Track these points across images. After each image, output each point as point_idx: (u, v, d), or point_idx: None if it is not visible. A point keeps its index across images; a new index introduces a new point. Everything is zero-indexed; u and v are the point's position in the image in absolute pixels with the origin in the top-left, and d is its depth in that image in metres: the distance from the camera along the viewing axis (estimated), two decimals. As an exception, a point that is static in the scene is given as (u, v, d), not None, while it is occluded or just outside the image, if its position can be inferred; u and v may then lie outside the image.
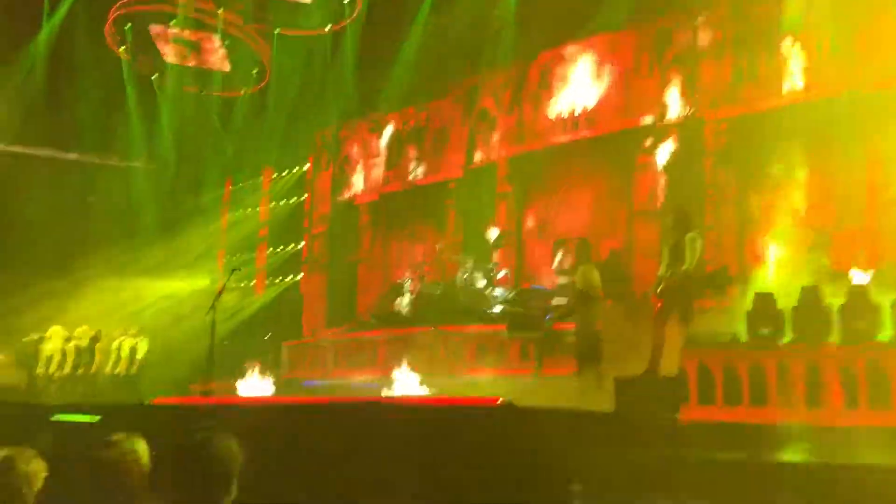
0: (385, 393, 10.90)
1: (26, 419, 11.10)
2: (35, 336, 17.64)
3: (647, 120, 14.87)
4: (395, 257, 19.91)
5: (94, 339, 16.69)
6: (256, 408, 9.02)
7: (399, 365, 11.53)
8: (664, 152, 14.54)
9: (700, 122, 14.13)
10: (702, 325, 8.80)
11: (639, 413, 7.69)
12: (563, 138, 16.45)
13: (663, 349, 8.60)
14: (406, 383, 10.93)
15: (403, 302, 18.48)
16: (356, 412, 7.83)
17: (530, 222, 17.22)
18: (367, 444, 7.14)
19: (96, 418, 9.46)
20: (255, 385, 12.55)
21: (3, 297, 20.28)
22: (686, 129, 14.32)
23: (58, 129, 21.51)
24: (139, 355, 16.17)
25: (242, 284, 22.73)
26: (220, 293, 11.95)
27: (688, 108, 14.33)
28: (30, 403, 14.74)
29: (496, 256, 16.50)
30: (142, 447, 3.68)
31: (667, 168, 14.43)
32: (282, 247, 22.76)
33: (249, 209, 23.69)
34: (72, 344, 16.75)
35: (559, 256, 16.06)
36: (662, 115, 14.71)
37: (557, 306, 12.05)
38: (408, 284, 18.91)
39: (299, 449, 7.56)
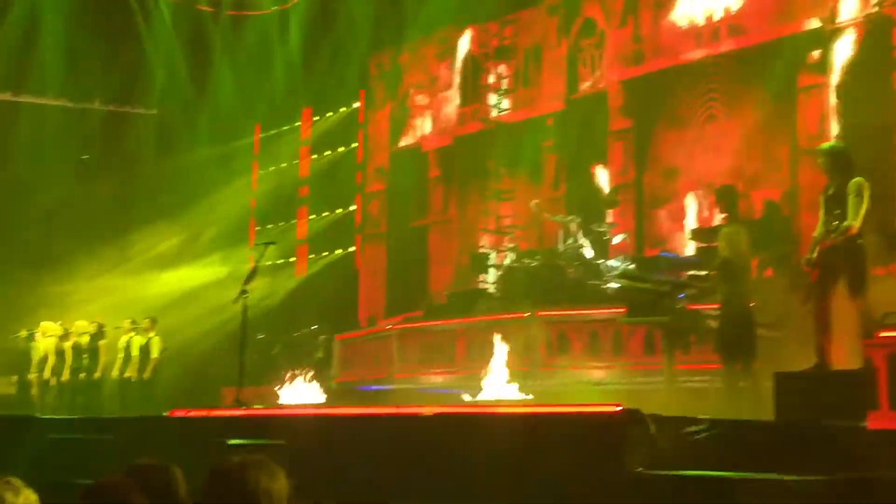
0: (467, 399, 11.11)
1: (16, 436, 11.86)
2: (23, 333, 18.60)
3: (813, 23, 14.61)
4: (475, 220, 20.12)
5: (97, 336, 17.46)
6: (303, 422, 9.40)
7: (485, 362, 11.69)
8: (837, 66, 14.29)
9: (888, 21, 13.82)
10: (878, 297, 8.65)
11: (807, 422, 7.45)
12: (696, 54, 16.27)
13: (831, 335, 8.56)
14: (495, 386, 11.09)
15: (488, 278, 18.67)
16: (432, 426, 8.09)
17: (655, 168, 17.13)
18: (446, 467, 7.37)
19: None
20: (300, 391, 12.97)
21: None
22: (868, 33, 14.04)
23: (35, 68, 22.46)
24: (153, 354, 16.85)
25: (280, 262, 23.38)
26: (251, 274, 12.38)
27: (870, 2, 14.02)
28: (21, 417, 15.65)
29: (610, 215, 16.52)
30: (177, 477, 3.95)
31: (841, 88, 14.18)
32: (327, 211, 23.31)
33: (285, 163, 24.25)
34: (69, 342, 17.57)
35: (695, 212, 15.94)
36: (834, 16, 14.42)
37: (693, 280, 12.04)
38: (493, 256, 19.09)
39: (359, 474, 7.89)
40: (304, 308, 21.96)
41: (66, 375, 17.40)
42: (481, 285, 18.64)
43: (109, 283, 22.39)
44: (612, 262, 15.26)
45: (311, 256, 23.52)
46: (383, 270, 22.10)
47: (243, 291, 12.02)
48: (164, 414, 14.64)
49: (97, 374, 17.24)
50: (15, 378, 18.92)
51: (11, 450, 11.67)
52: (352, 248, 22.76)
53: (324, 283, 22.32)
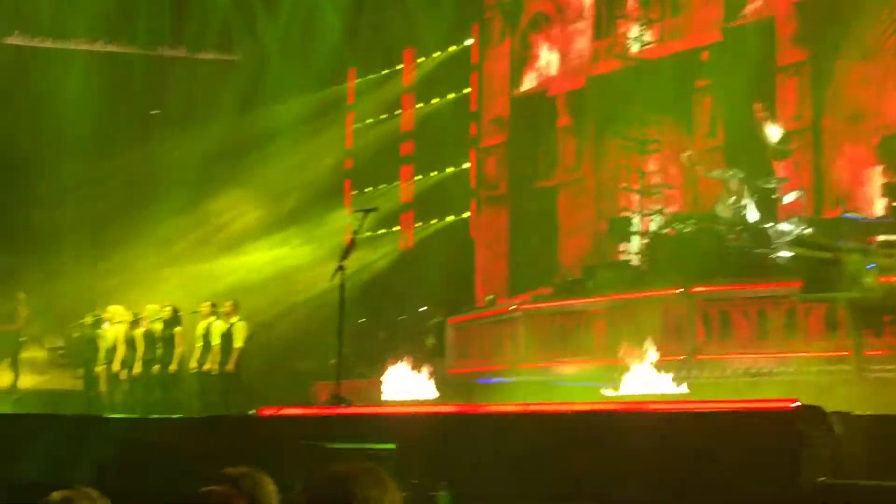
0: (607, 394, 11.09)
1: (83, 438, 12.27)
2: (89, 319, 19.19)
3: None
4: (613, 178, 19.98)
5: (172, 322, 17.86)
6: (414, 422, 9.46)
7: (630, 349, 11.63)
8: None
9: None
10: None
11: None
12: (888, -34, 15.82)
13: None
14: (642, 378, 11.03)
15: (631, 247, 18.50)
16: (566, 426, 8.06)
17: (836, 111, 16.79)
18: (581, 474, 7.36)
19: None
20: (408, 385, 13.07)
21: (38, 266, 22.29)
22: None
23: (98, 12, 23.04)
24: (236, 343, 17.14)
25: (381, 232, 23.56)
26: (349, 248, 12.46)
27: None
28: (87, 417, 16.19)
29: (781, 169, 16.20)
30: (268, 488, 3.98)
31: None
32: (436, 171, 23.43)
33: (384, 115, 24.37)
34: (140, 330, 18.05)
35: (886, 164, 15.51)
36: None
37: (886, 246, 11.70)
38: (636, 220, 18.89)
39: (480, 484, 7.91)
40: (411, 287, 22.12)
41: (137, 368, 17.85)
42: (622, 256, 18.49)
43: (184, 261, 22.94)
44: (783, 226, 14.99)
45: (417, 225, 23.64)
46: (504, 240, 22.11)
47: (340, 268, 12.10)
48: (252, 413, 14.96)
49: (173, 367, 17.64)
50: (80, 371, 19.56)
51: (78, 454, 12.09)
52: (466, 214, 22.79)
53: (434, 256, 22.40)
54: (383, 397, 13.05)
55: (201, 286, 20.98)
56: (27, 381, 20.60)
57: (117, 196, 23.37)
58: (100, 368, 18.55)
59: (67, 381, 20.45)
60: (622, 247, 18.74)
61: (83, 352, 19.36)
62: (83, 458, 12.33)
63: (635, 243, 18.33)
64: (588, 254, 19.56)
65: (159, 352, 17.78)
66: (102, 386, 18.59)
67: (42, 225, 22.65)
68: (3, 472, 11.47)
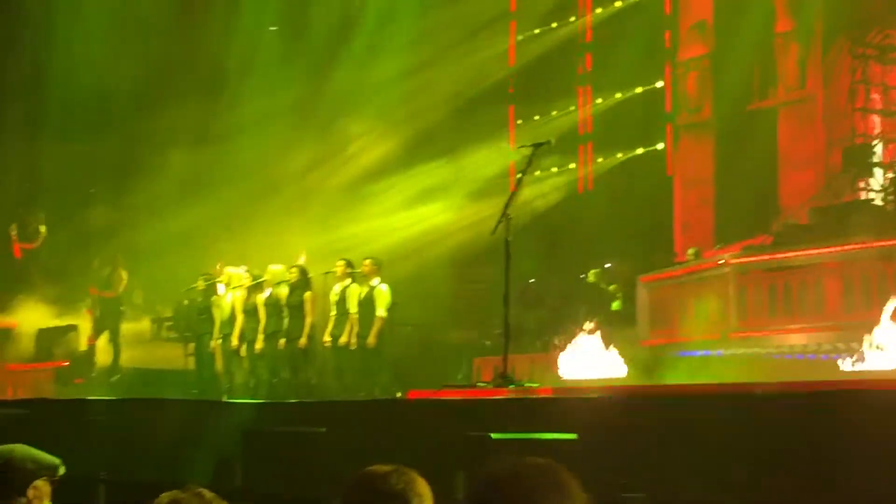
0: (846, 368, 11.03)
1: (197, 427, 12.56)
2: (200, 284, 19.63)
3: None
4: (849, 96, 19.54)
5: (300, 286, 18.05)
6: (601, 406, 9.41)
7: (874, 311, 11.49)
8: None
9: None
10: None
11: None
12: None
13: None
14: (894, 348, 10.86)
15: (873, 183, 18.01)
16: (798, 408, 7.93)
17: None
18: (818, 469, 7.26)
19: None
20: (591, 361, 13.05)
21: (143, 224, 22.92)
22: None
23: None
24: (379, 311, 17.25)
25: (554, 170, 23.46)
26: (515, 192, 12.42)
27: None
28: (202, 402, 16.59)
29: None
30: (421, 489, 4.02)
31: None
32: (619, 92, 23.22)
33: (554, 23, 24.15)
34: (262, 296, 18.32)
35: None
36: None
37: None
38: (879, 149, 18.38)
39: (687, 481, 7.84)
40: (592, 238, 22.03)
41: (259, 343, 18.15)
42: (862, 195, 18.07)
43: (314, 213, 23.24)
44: None
45: (599, 160, 23.50)
46: (709, 177, 21.91)
47: (504, 217, 12.06)
48: (399, 396, 15.10)
49: (302, 341, 17.83)
50: (192, 347, 20.09)
51: (192, 446, 12.41)
52: (660, 146, 22.58)
53: (620, 198, 22.27)
54: (561, 376, 13.04)
55: (335, 242, 21.24)
56: (129, 357, 21.25)
57: (245, 132, 23.72)
58: (215, 343, 18.95)
59: (177, 359, 20.96)
60: (860, 183, 18.32)
61: (195, 323, 19.84)
62: (196, 452, 12.64)
63: (878, 177, 17.90)
64: (817, 193, 19.16)
65: (286, 322, 17.96)
66: (219, 364, 18.99)
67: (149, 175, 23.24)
68: (101, 468, 11.85)
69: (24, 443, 5.63)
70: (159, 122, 23.09)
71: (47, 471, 5.53)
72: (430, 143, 23.87)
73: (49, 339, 21.80)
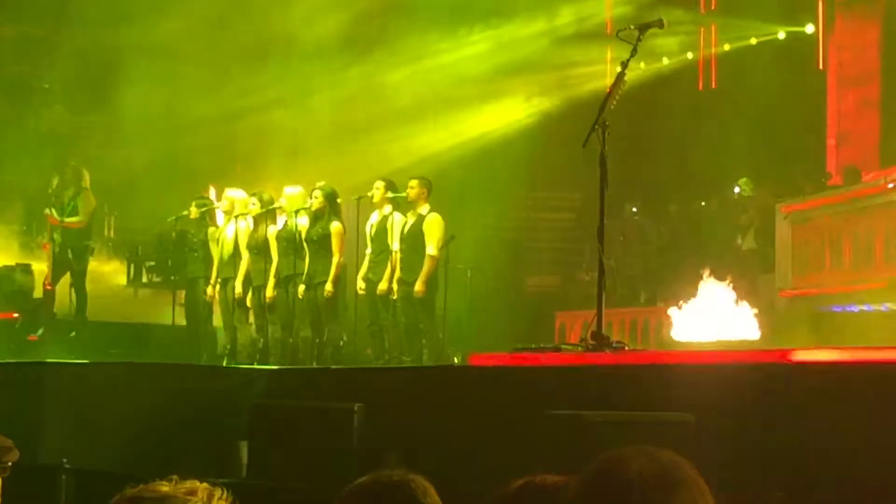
0: None
1: (195, 401, 12.68)
2: (194, 211, 19.62)
3: None
4: None
5: (327, 214, 17.98)
6: (723, 377, 9.42)
7: None
8: None
9: None
10: None
11: None
12: None
13: None
14: None
15: None
16: None
17: None
18: None
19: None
20: (712, 317, 13.05)
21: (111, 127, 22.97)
22: None
23: None
24: (429, 247, 17.19)
25: (665, 62, 23.27)
26: (613, 88, 12.41)
27: None
28: (200, 367, 16.71)
29: None
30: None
31: None
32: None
33: None
34: (273, 226, 18.34)
35: None
36: None
37: None
38: None
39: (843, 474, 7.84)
40: (714, 152, 21.92)
41: (270, 290, 18.17)
42: None
43: (342, 119, 23.25)
44: None
45: (725, 47, 23.41)
46: (874, 73, 21.74)
47: (598, 123, 12.04)
48: (456, 362, 15.12)
49: (328, 288, 17.78)
50: (181, 295, 20.16)
51: (181, 425, 12.54)
52: (809, 28, 22.48)
53: (752, 99, 22.10)
54: (674, 337, 13.04)
55: (370, 157, 21.25)
56: (99, 308, 21.25)
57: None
58: (212, 290, 19.02)
59: (161, 311, 21.04)
60: None
61: (185, 264, 19.91)
62: (187, 432, 12.75)
63: None
64: None
65: (306, 263, 17.97)
66: (216, 318, 19.07)
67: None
68: (63, 453, 11.98)
69: (-40, 419, 5.68)
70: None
71: None
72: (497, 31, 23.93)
73: (-6, 282, 21.88)
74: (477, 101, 23.81)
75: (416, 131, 22.91)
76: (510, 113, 23.66)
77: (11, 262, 22.16)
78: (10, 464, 5.57)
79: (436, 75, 23.90)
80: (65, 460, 11.72)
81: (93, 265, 21.55)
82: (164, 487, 4.00)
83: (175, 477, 4.03)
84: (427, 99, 23.81)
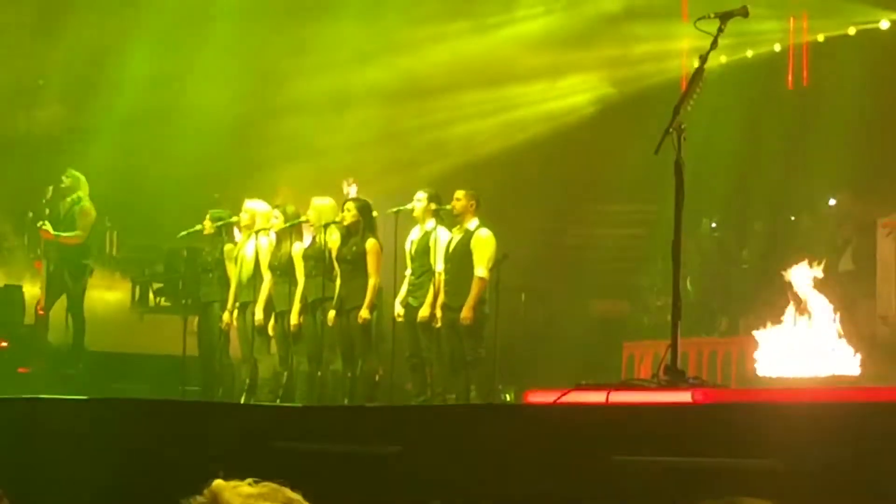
0: None
1: (208, 444, 12.73)
2: (208, 225, 19.66)
3: None
4: None
5: (360, 229, 18.00)
6: (820, 416, 9.41)
7: None
8: None
9: None
10: None
11: None
12: None
13: None
14: None
15: None
16: None
17: None
18: None
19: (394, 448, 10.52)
20: (806, 347, 13.05)
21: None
22: None
23: None
24: (478, 268, 17.24)
25: (747, 54, 23.24)
26: (690, 86, 12.43)
27: None
28: (213, 404, 16.76)
29: None
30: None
31: None
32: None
33: None
34: (299, 243, 18.38)
35: None
36: None
37: None
38: None
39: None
40: (805, 159, 21.91)
41: (295, 316, 18.21)
42: None
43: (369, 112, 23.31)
44: None
45: (818, 37, 23.41)
46: None
47: (673, 127, 12.06)
48: (509, 399, 15.09)
49: (363, 313, 17.79)
50: (194, 322, 20.15)
51: (193, 470, 12.56)
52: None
53: (851, 97, 22.10)
54: (759, 372, 13.03)
55: (407, 159, 21.31)
56: (99, 336, 21.29)
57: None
58: (229, 316, 19.06)
59: (171, 340, 21.03)
60: None
61: (198, 286, 19.95)
62: (200, 478, 12.77)
63: None
64: None
65: (337, 286, 18.00)
66: (234, 348, 19.10)
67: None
68: (58, 499, 12.04)
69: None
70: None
71: None
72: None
73: (-23, 306, 21.91)
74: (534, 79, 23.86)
75: (455, 119, 22.94)
76: (571, 98, 23.67)
77: (-1, 284, 22.25)
78: None
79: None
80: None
81: (92, 287, 21.59)
82: None
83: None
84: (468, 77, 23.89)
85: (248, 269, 18.59)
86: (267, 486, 4.45)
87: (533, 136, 23.24)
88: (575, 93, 23.91)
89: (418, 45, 23.82)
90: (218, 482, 4.38)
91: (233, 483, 4.38)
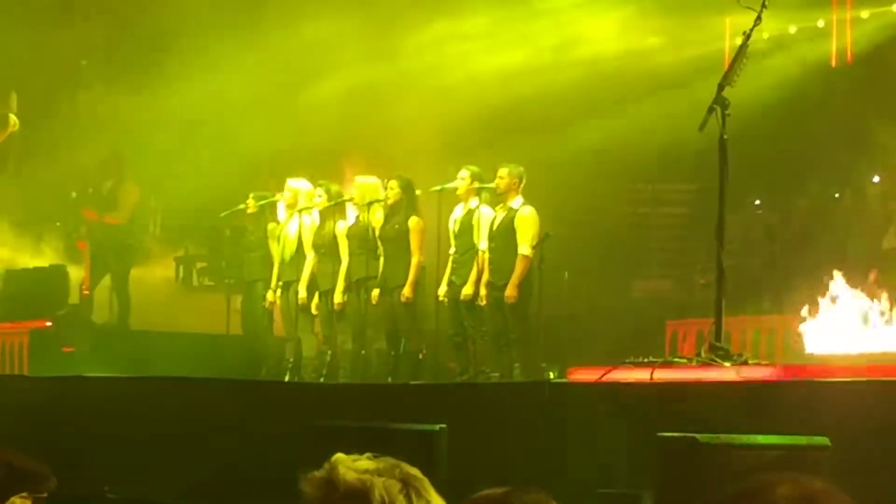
0: None
1: (248, 419, 12.74)
2: (251, 203, 19.64)
3: None
4: None
5: (403, 208, 17.99)
6: (867, 396, 9.38)
7: None
8: None
9: None
10: None
11: None
12: None
13: None
14: None
15: None
16: None
17: None
18: None
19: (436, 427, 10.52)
20: (854, 325, 13.03)
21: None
22: None
23: None
24: (522, 246, 17.19)
25: (791, 30, 23.08)
26: (733, 64, 12.38)
27: None
28: (259, 382, 16.77)
29: None
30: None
31: None
32: None
33: None
34: (343, 222, 18.34)
35: None
36: None
37: None
38: None
39: None
40: (851, 134, 21.83)
41: (339, 295, 18.17)
42: None
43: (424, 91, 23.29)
44: None
45: (862, 14, 23.24)
46: None
47: (717, 104, 12.02)
48: (552, 377, 15.03)
49: (406, 292, 17.76)
50: (237, 300, 20.14)
51: (237, 448, 12.60)
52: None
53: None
54: (806, 349, 12.97)
55: (447, 137, 21.25)
56: (144, 315, 21.31)
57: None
58: (273, 295, 19.04)
59: (215, 318, 21.02)
60: None
61: (242, 265, 19.95)
62: (244, 456, 12.81)
63: None
64: None
65: (380, 264, 17.95)
66: (278, 326, 19.07)
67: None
68: (105, 479, 12.06)
69: (-8, 441, 5.72)
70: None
71: (30, 484, 5.61)
72: None
73: (23, 286, 21.88)
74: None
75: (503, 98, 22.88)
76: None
77: (44, 264, 22.23)
78: (46, 494, 5.63)
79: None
80: (107, 489, 11.84)
81: (136, 267, 21.60)
82: None
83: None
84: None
85: (290, 247, 18.52)
86: (385, 462, 4.49)
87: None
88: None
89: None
90: (338, 455, 4.42)
91: (353, 457, 4.44)
